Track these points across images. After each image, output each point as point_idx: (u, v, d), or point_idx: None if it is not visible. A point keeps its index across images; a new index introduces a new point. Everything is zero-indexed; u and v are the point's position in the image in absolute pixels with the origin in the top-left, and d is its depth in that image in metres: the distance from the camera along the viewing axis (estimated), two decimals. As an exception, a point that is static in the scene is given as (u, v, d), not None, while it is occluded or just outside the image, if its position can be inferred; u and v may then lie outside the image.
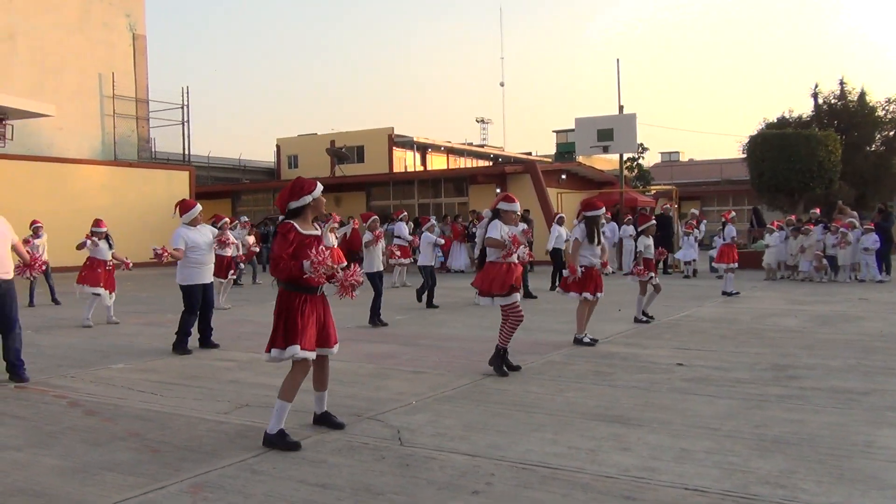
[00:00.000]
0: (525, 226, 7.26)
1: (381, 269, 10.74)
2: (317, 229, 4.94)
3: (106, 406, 5.92)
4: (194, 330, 8.50)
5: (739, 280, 15.45)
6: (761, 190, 26.81)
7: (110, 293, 10.87)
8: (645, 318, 10.35)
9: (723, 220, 15.19)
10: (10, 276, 6.94)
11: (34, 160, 23.06)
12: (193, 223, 8.41)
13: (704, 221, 21.07)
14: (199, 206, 8.61)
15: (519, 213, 7.24)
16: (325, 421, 5.14)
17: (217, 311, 9.85)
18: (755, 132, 28.28)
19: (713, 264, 15.67)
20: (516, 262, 6.93)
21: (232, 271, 12.95)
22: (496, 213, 7.10)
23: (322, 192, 4.92)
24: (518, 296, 7.00)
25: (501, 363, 6.96)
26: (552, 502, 3.77)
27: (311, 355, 4.73)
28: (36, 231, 13.47)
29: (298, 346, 4.64)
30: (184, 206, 8.51)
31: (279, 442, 4.67)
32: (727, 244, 14.50)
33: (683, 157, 56.56)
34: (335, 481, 4.09)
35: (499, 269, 6.86)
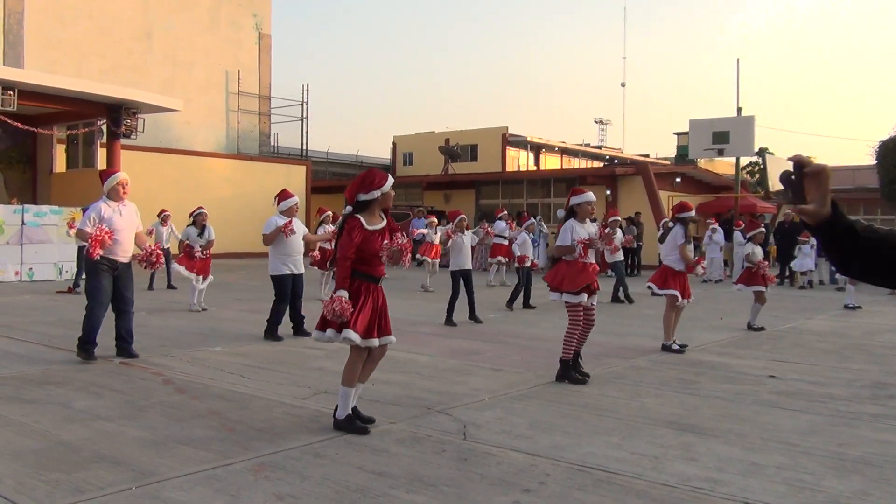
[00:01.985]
0: (595, 227, 7.00)
1: (466, 267, 10.67)
2: (383, 220, 5.03)
3: (195, 385, 6.25)
4: (287, 319, 8.82)
5: (862, 294, 14.59)
6: (892, 197, 25.21)
7: (203, 278, 11.32)
8: (755, 328, 9.99)
9: None
10: (128, 259, 7.38)
11: (164, 152, 24.42)
12: (289, 213, 8.71)
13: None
14: (296, 198, 8.89)
15: (593, 204, 6.92)
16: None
17: (314, 301, 10.16)
18: (887, 136, 26.58)
19: (834, 274, 14.88)
20: (593, 261, 6.76)
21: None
22: (570, 212, 6.87)
23: (392, 185, 5.00)
24: (587, 298, 6.68)
25: (569, 371, 6.62)
26: (602, 506, 3.72)
27: (372, 343, 4.85)
28: (164, 219, 14.27)
29: (354, 332, 4.73)
30: (282, 196, 8.82)
31: (348, 426, 4.84)
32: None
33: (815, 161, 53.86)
34: (391, 470, 4.18)
35: (572, 266, 6.64)
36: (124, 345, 7.42)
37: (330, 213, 13.66)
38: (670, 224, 8.91)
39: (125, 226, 7.24)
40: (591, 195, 6.93)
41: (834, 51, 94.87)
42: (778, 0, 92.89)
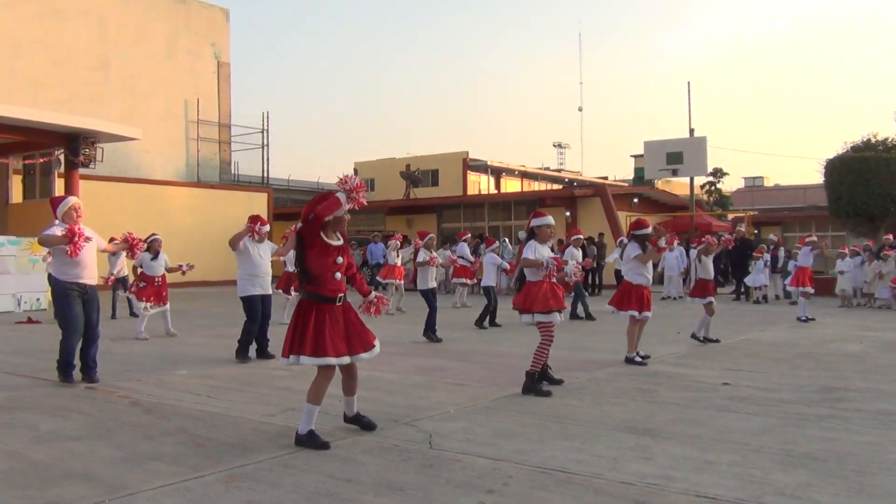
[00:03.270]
0: (552, 254, 7.19)
1: (435, 286, 10.96)
2: (339, 240, 5.16)
3: (163, 406, 6.30)
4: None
5: (815, 307, 15.05)
6: (839, 214, 26.02)
7: (160, 305, 11.26)
8: (702, 340, 10.24)
9: (798, 245, 14.78)
10: (95, 282, 7.43)
11: (123, 181, 24.30)
12: (259, 237, 8.79)
13: (782, 248, 20.57)
14: (266, 226, 8.95)
15: (552, 227, 7.16)
16: (356, 421, 5.39)
17: (279, 325, 10.23)
18: (835, 155, 27.49)
19: (787, 287, 15.32)
20: (555, 282, 6.98)
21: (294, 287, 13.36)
22: (531, 234, 7.11)
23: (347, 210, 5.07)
24: (558, 317, 6.94)
25: (535, 384, 6.80)
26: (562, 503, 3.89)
27: (331, 361, 4.90)
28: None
29: (316, 354, 4.85)
30: (253, 220, 8.93)
31: (309, 441, 4.92)
32: (801, 267, 14.12)
33: (768, 183, 55.21)
34: (360, 476, 4.31)
35: (539, 287, 6.85)
36: (88, 371, 7.42)
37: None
38: (625, 241, 9.19)
39: (86, 249, 7.21)
40: (550, 218, 7.21)
41: (784, 70, 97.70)
42: (727, 22, 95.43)
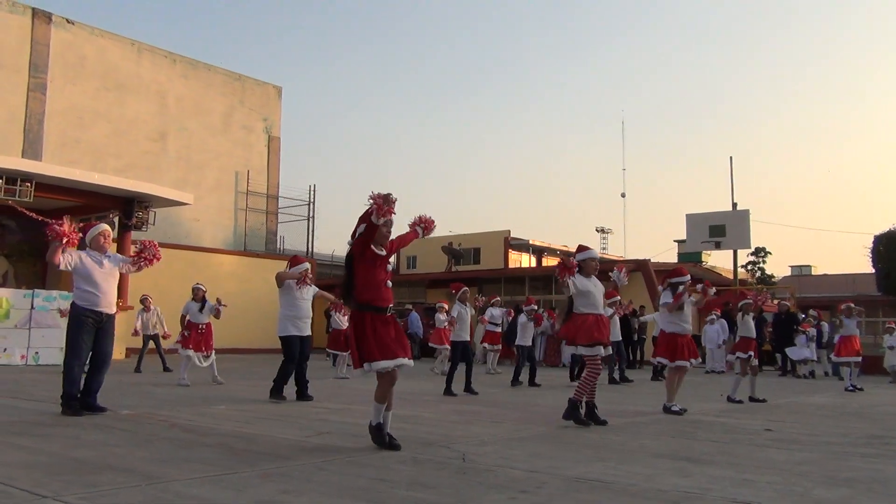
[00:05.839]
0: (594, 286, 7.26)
1: (468, 339, 10.90)
2: (384, 251, 5.44)
3: (202, 428, 6.37)
4: (292, 381, 8.97)
5: (863, 381, 14.60)
6: (889, 291, 25.47)
7: (206, 354, 11.49)
8: (738, 401, 9.96)
9: (841, 315, 14.28)
10: (112, 311, 7.25)
11: (173, 247, 24.89)
12: (301, 281, 8.96)
13: (824, 323, 20.08)
14: (307, 264, 9.14)
15: (597, 260, 7.26)
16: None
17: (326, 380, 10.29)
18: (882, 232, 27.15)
19: (831, 357, 14.90)
20: (604, 314, 7.04)
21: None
22: (577, 268, 7.17)
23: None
24: (602, 350, 7.00)
25: (576, 412, 6.91)
26: (597, 502, 3.84)
27: (403, 362, 5.26)
28: (146, 305, 14.58)
29: (386, 357, 5.18)
30: (293, 261, 9.13)
31: (375, 434, 5.32)
32: (847, 336, 13.74)
33: (816, 272, 54.33)
34: (394, 477, 4.32)
35: (584, 319, 6.95)
36: (88, 399, 7.14)
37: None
38: (660, 289, 9.15)
39: (106, 277, 7.15)
40: (594, 252, 7.33)
41: (827, 149, 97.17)
42: (771, 99, 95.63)
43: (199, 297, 11.64)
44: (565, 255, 7.61)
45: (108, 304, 7.19)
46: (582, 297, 7.03)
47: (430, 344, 17.24)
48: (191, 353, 11.35)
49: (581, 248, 7.35)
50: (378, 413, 5.36)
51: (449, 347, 15.67)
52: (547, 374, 16.23)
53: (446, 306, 16.55)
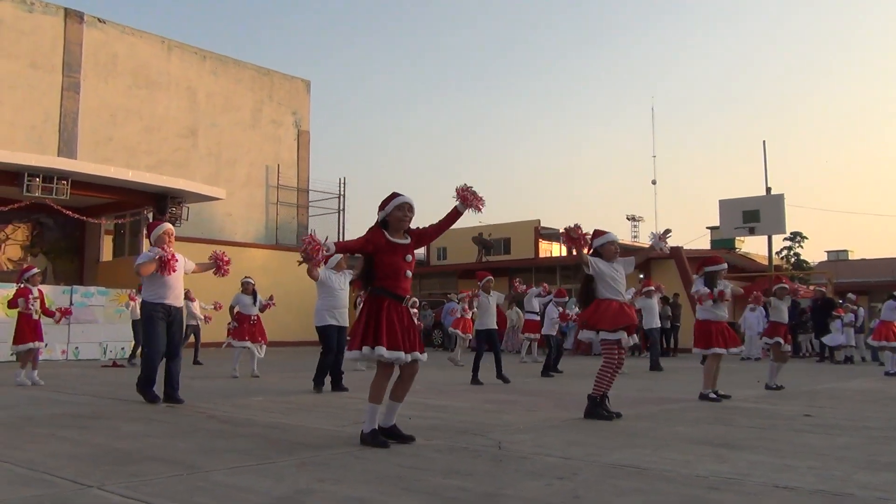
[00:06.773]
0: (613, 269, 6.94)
1: (494, 327, 10.87)
2: (406, 239, 5.22)
3: (239, 419, 6.46)
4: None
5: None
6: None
7: (260, 345, 11.68)
8: (775, 387, 9.85)
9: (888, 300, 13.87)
10: (180, 304, 7.74)
11: (206, 242, 25.20)
12: (338, 267, 9.06)
13: (861, 308, 19.73)
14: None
15: (616, 244, 6.88)
16: (392, 435, 5.11)
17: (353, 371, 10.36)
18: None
19: (868, 341, 14.63)
20: (628, 301, 6.90)
21: None
22: (595, 254, 6.80)
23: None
24: (625, 337, 6.67)
25: (597, 408, 6.57)
26: (634, 489, 3.82)
27: (398, 357, 4.91)
28: (188, 297, 14.77)
29: (384, 347, 4.85)
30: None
31: (371, 440, 4.94)
32: (885, 321, 13.50)
33: (853, 256, 53.40)
34: (429, 465, 4.34)
35: (608, 304, 6.65)
36: (171, 391, 7.59)
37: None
38: (695, 277, 9.04)
39: (174, 273, 7.57)
40: (613, 235, 6.90)
41: (864, 130, 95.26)
42: (805, 79, 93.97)
43: (249, 290, 11.90)
44: (568, 230, 7.14)
45: (176, 297, 7.66)
46: (603, 282, 6.67)
47: (450, 330, 17.21)
48: (248, 343, 11.56)
49: (598, 233, 6.88)
50: (372, 418, 4.98)
51: (463, 336, 15.75)
52: (578, 362, 16.18)
53: (466, 295, 16.45)
